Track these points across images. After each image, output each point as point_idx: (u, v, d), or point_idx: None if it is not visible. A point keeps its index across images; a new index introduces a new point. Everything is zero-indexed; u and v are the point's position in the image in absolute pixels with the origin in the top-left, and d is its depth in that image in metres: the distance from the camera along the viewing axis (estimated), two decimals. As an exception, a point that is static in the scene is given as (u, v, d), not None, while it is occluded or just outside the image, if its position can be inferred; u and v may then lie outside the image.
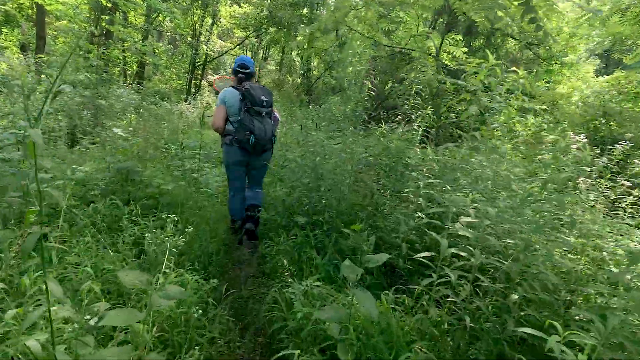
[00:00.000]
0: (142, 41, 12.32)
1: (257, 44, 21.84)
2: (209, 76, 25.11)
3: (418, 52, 5.73)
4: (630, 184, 2.67)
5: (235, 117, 2.91)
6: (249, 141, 2.78)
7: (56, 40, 13.04)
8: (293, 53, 24.64)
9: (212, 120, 2.98)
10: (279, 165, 4.00)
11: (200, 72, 15.87)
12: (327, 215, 2.65)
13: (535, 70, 12.19)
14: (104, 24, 10.16)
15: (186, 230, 2.41)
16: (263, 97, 2.83)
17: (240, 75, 3.00)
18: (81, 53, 11.15)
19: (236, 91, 2.92)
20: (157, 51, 16.49)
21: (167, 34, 17.03)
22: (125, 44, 12.07)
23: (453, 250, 1.66)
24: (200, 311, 1.73)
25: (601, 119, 5.99)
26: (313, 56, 13.29)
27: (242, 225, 3.10)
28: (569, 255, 1.83)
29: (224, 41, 17.03)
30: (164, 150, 4.30)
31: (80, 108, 7.02)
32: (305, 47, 6.40)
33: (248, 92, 2.80)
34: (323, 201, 2.79)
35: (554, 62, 12.35)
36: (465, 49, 6.26)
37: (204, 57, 15.43)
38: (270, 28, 21.17)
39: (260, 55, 26.81)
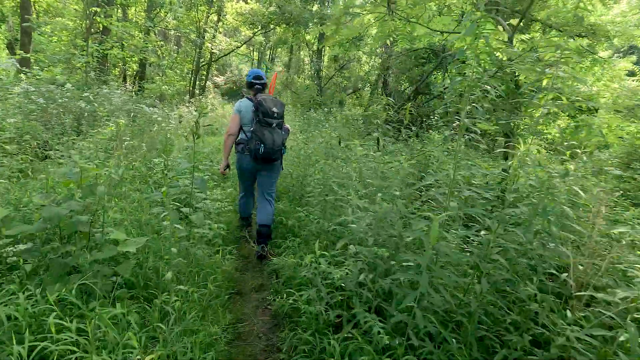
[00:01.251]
0: (142, 38, 11.11)
1: (264, 43, 20.62)
2: (215, 78, 23.87)
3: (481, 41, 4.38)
4: None
5: (248, 126, 3.00)
6: (259, 150, 2.85)
7: (51, 39, 11.86)
8: (302, 52, 23.37)
9: (227, 127, 3.09)
10: (317, 203, 2.69)
11: (205, 72, 14.65)
12: (421, 323, 1.36)
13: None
14: (98, 19, 8.97)
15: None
16: (274, 109, 2.90)
17: (257, 86, 3.08)
18: (76, 52, 9.99)
19: (250, 102, 2.99)
20: (159, 51, 15.32)
21: (171, 32, 15.83)
22: (123, 42, 10.88)
23: None
24: None
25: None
26: (325, 50, 12.00)
27: (249, 224, 3.49)
28: None
29: (229, 38, 15.78)
30: (147, 172, 3.05)
31: (60, 112, 5.83)
32: (328, 35, 5.15)
33: (260, 104, 2.87)
34: (401, 281, 1.50)
35: (586, 58, 10.99)
36: (526, 36, 4.96)
37: (208, 56, 14.21)
38: (278, 27, 19.94)
39: (267, 55, 25.58)
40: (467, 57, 5.01)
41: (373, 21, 5.17)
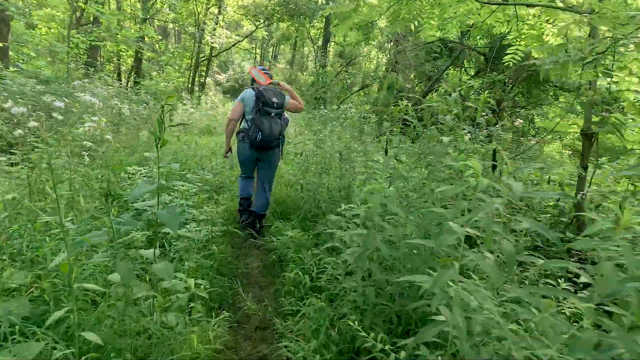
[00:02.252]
0: (136, 29, 10.16)
1: (267, 38, 19.62)
2: (217, 75, 22.86)
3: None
4: None
5: (250, 115, 3.04)
6: (257, 138, 2.93)
7: (39, 30, 10.91)
8: (305, 49, 22.36)
9: (229, 113, 3.14)
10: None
11: (204, 68, 13.68)
12: None
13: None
14: (82, 5, 8.02)
15: None
16: (274, 99, 2.97)
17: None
18: (60, 44, 9.05)
19: (253, 92, 3.02)
20: (156, 45, 14.36)
21: (170, 25, 14.86)
22: (117, 34, 9.91)
23: None
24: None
25: None
26: (330, 46, 11.02)
27: (248, 208, 3.26)
28: None
29: (231, 32, 14.79)
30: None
31: (29, 108, 4.90)
32: (344, 17, 4.21)
33: (261, 94, 2.93)
34: None
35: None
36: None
37: (208, 50, 13.23)
38: (281, 23, 18.90)
39: (270, 52, 24.58)
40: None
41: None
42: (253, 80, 3.20)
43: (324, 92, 13.49)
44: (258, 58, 23.35)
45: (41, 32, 10.80)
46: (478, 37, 9.73)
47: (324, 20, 16.01)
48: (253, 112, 2.96)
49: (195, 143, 5.32)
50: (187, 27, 11.94)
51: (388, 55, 13.42)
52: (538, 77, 10.41)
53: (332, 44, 17.49)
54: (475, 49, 9.31)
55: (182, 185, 2.82)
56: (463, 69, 10.41)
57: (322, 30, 16.66)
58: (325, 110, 6.18)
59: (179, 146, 5.12)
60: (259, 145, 2.96)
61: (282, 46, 23.21)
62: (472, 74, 10.02)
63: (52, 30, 10.61)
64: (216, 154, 5.19)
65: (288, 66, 20.97)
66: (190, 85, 12.70)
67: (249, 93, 3.03)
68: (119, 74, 12.09)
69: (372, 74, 13.86)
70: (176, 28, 15.02)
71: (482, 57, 10.42)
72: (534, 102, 10.89)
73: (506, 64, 4.99)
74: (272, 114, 2.96)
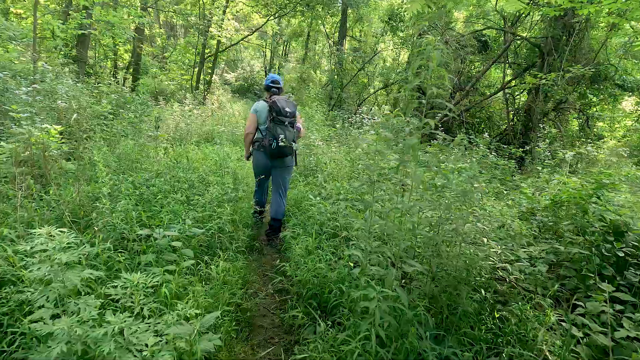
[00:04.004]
0: (132, 13, 8.68)
1: (278, 34, 18.03)
2: (226, 74, 21.33)
3: None
4: None
5: (263, 125, 3.11)
6: (272, 145, 2.98)
7: (24, 22, 9.52)
8: (317, 46, 20.71)
9: (245, 126, 3.19)
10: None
11: (210, 64, 12.16)
12: None
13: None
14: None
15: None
16: (287, 109, 3.04)
17: (273, 89, 3.23)
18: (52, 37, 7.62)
19: (266, 103, 3.12)
20: (159, 40, 12.89)
21: (173, 19, 13.35)
22: (114, 28, 8.44)
23: None
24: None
25: None
26: (345, 42, 9.48)
27: (262, 213, 3.48)
28: None
29: (240, 24, 13.22)
30: None
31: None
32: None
33: (274, 104, 3.01)
34: None
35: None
36: None
37: (215, 44, 11.70)
38: (292, 19, 17.27)
39: (281, 50, 23.00)
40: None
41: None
42: (268, 88, 3.21)
43: (341, 92, 11.87)
44: (268, 55, 21.78)
45: (26, 22, 9.41)
46: (533, 26, 8.01)
47: (340, 14, 14.37)
48: (267, 122, 3.00)
49: (187, 159, 3.79)
50: (190, 18, 10.43)
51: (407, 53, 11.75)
52: (598, 75, 7.99)
53: (348, 38, 15.85)
54: (527, 39, 7.62)
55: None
56: (508, 64, 8.68)
57: (338, 25, 15.02)
58: (354, 115, 4.65)
59: (164, 164, 3.59)
60: (275, 153, 3.00)
61: (294, 44, 21.60)
62: (520, 70, 8.29)
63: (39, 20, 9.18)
64: (214, 174, 3.67)
65: (300, 64, 19.36)
66: (194, 83, 11.21)
67: (261, 104, 3.11)
68: (115, 72, 10.66)
69: (395, 73, 12.21)
70: (181, 22, 13.52)
71: (524, 51, 8.71)
72: (588, 103, 9.15)
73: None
74: (286, 123, 3.00)
